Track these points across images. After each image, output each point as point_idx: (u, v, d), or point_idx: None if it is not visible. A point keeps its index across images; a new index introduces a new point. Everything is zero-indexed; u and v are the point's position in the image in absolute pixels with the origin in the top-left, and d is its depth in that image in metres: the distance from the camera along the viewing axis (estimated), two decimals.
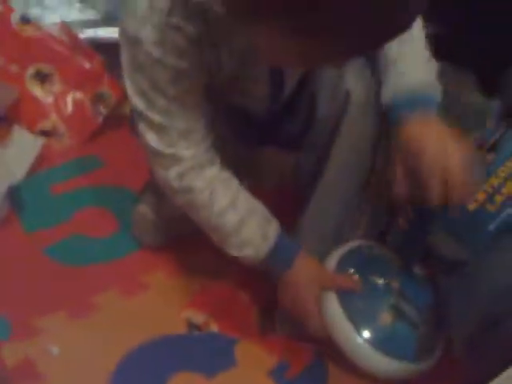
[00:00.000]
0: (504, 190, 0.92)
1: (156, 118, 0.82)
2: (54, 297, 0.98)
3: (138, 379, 0.90)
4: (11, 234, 1.10)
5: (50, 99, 1.36)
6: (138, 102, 0.82)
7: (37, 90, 1.36)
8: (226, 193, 0.88)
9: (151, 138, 0.84)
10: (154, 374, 0.90)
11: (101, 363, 0.89)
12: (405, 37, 0.70)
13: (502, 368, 0.68)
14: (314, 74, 0.95)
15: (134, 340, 0.93)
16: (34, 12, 1.45)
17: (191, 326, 0.97)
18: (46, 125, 1.34)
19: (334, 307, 0.89)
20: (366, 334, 0.89)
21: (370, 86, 0.90)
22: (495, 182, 0.93)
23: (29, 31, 1.36)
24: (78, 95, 1.36)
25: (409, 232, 1.00)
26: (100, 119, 1.36)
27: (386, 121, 0.89)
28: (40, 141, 1.29)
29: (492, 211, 0.91)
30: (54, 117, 1.35)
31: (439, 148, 0.81)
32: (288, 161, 1.16)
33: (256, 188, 0.94)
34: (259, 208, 0.90)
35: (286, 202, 1.05)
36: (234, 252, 0.89)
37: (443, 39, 1.33)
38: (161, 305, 0.99)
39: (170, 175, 0.86)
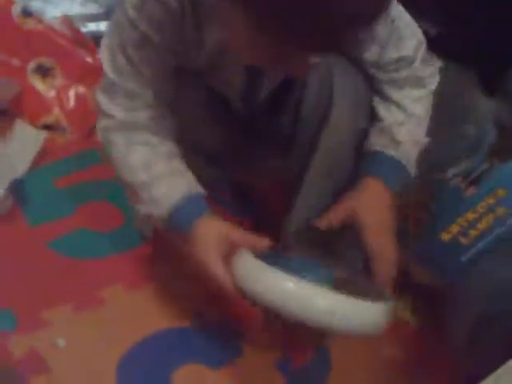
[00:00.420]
0: (479, 226, 0.94)
1: (111, 75, 0.85)
2: (59, 290, 0.98)
3: (144, 371, 0.90)
4: (15, 228, 1.10)
5: (52, 93, 1.36)
6: (103, 56, 0.86)
7: (39, 84, 1.36)
8: (145, 156, 0.88)
9: (99, 92, 0.88)
10: (160, 366, 0.91)
11: (107, 356, 0.90)
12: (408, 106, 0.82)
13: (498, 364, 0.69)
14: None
15: (140, 333, 0.93)
16: (35, 5, 1.45)
17: (196, 318, 0.97)
18: (48, 119, 1.34)
19: (251, 260, 0.78)
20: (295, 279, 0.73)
21: (356, 81, 0.91)
22: (471, 216, 0.95)
23: (30, 24, 1.36)
24: (80, 89, 1.36)
25: None
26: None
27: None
28: (42, 135, 1.29)
29: (465, 244, 0.94)
30: (56, 111, 1.35)
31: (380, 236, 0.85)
32: (277, 161, 1.13)
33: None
34: (176, 172, 0.89)
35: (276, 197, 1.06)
36: (143, 208, 0.89)
37: (446, 38, 1.34)
38: (166, 298, 1.00)
39: (99, 125, 0.90)
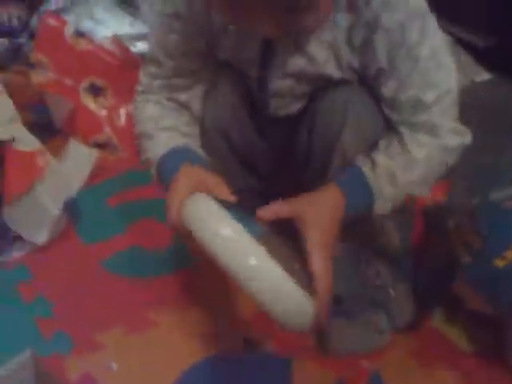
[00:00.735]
0: None
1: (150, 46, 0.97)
2: (112, 311, 1.01)
3: None
4: (70, 246, 1.14)
5: (103, 112, 1.39)
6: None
7: (90, 103, 1.39)
8: (155, 112, 0.94)
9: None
10: None
11: (158, 381, 0.91)
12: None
13: None
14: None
15: (191, 357, 0.94)
16: (87, 25, 1.48)
17: (247, 343, 0.98)
18: (100, 138, 1.37)
19: (203, 200, 0.77)
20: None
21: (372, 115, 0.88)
22: None
23: (82, 44, 1.40)
24: (130, 108, 1.38)
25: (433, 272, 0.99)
26: None
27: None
28: (95, 153, 1.31)
29: None
30: (107, 130, 1.38)
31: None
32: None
33: None
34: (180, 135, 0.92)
35: None
36: (142, 155, 0.93)
37: (494, 50, 1.32)
38: (217, 322, 1.00)
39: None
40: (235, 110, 0.97)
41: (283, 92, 0.91)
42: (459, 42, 1.08)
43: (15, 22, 1.63)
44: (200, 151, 0.92)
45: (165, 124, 0.92)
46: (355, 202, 0.84)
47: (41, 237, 1.11)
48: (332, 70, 0.86)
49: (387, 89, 0.85)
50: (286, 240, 0.79)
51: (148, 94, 0.95)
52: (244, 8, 0.73)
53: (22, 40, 1.59)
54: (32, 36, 1.54)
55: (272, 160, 1.04)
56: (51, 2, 1.58)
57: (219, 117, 0.97)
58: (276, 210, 0.78)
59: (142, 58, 1.41)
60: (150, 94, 0.95)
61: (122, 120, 1.38)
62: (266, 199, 0.80)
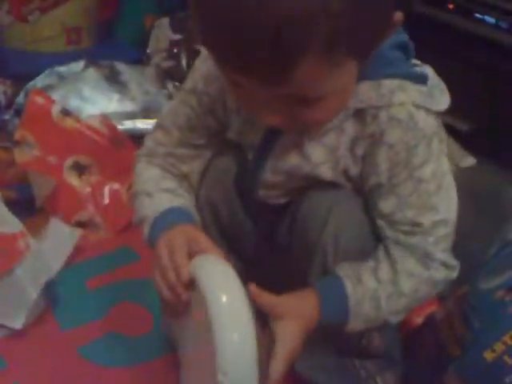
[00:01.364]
0: None
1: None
2: None
3: None
4: (47, 332, 1.09)
5: (87, 190, 1.37)
6: None
7: (74, 181, 1.38)
8: (158, 173, 0.94)
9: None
10: None
11: None
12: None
13: None
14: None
15: None
16: (74, 103, 1.49)
17: None
18: (82, 216, 1.35)
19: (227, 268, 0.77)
20: None
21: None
22: None
23: (68, 123, 1.39)
24: (115, 186, 1.37)
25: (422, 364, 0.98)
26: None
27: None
28: (76, 232, 1.30)
29: (511, 364, 0.87)
30: (90, 208, 1.36)
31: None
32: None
33: None
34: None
35: None
36: (137, 214, 0.92)
37: (478, 135, 1.34)
38: None
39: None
40: (227, 190, 0.97)
41: (273, 184, 0.91)
42: (443, 126, 1.09)
43: (1, 98, 1.63)
44: (196, 213, 0.92)
45: (166, 185, 0.92)
46: (330, 318, 0.83)
47: (18, 321, 1.07)
48: (325, 172, 0.85)
49: (385, 205, 0.82)
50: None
51: (151, 158, 0.95)
52: (252, 97, 0.73)
53: (7, 117, 1.59)
54: (17, 113, 1.54)
55: (257, 244, 1.03)
56: (38, 79, 1.59)
57: (211, 195, 0.97)
58: (259, 296, 0.77)
59: (130, 136, 1.43)
60: (154, 157, 0.95)
61: (106, 198, 1.37)
62: (250, 281, 0.79)
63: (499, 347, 0.89)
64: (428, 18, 1.42)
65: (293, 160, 0.85)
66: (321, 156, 0.84)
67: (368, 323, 0.85)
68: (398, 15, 0.73)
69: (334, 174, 0.85)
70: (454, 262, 0.87)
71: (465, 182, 1.21)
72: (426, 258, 0.83)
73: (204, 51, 0.88)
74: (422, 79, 0.81)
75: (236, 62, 0.67)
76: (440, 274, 0.85)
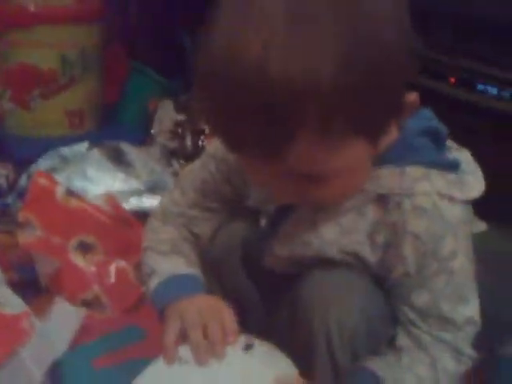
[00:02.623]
0: None
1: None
2: None
3: None
4: None
5: (92, 269, 1.35)
6: None
7: (79, 261, 1.35)
8: (174, 235, 0.95)
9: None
10: None
11: None
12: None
13: None
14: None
15: None
16: (78, 184, 1.49)
17: None
18: (87, 295, 1.32)
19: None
20: None
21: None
22: None
23: (72, 203, 1.39)
24: (121, 264, 1.35)
25: None
26: (143, 287, 1.34)
27: None
28: (81, 312, 1.26)
29: None
30: (96, 287, 1.33)
31: None
32: None
33: None
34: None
35: None
36: (148, 266, 0.94)
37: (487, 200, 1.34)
38: None
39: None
40: (235, 259, 0.95)
41: (279, 255, 0.88)
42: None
43: (3, 182, 1.64)
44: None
45: (181, 249, 0.93)
46: None
47: None
48: (334, 253, 0.81)
49: (419, 299, 0.79)
50: None
51: (166, 217, 0.96)
52: (261, 172, 0.72)
53: (9, 200, 1.59)
54: (20, 196, 1.54)
55: (259, 319, 0.99)
56: (40, 162, 1.60)
57: (219, 259, 0.96)
58: None
59: (136, 213, 1.42)
60: (169, 217, 0.96)
61: (112, 277, 1.34)
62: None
63: None
64: (431, 91, 1.46)
65: (304, 234, 0.83)
66: (333, 235, 0.81)
67: None
68: (413, 96, 0.70)
69: (343, 256, 0.82)
70: (475, 354, 0.84)
71: (477, 247, 1.20)
72: (457, 354, 0.81)
73: None
74: (451, 166, 0.78)
75: (234, 138, 0.68)
76: (467, 367, 0.83)
